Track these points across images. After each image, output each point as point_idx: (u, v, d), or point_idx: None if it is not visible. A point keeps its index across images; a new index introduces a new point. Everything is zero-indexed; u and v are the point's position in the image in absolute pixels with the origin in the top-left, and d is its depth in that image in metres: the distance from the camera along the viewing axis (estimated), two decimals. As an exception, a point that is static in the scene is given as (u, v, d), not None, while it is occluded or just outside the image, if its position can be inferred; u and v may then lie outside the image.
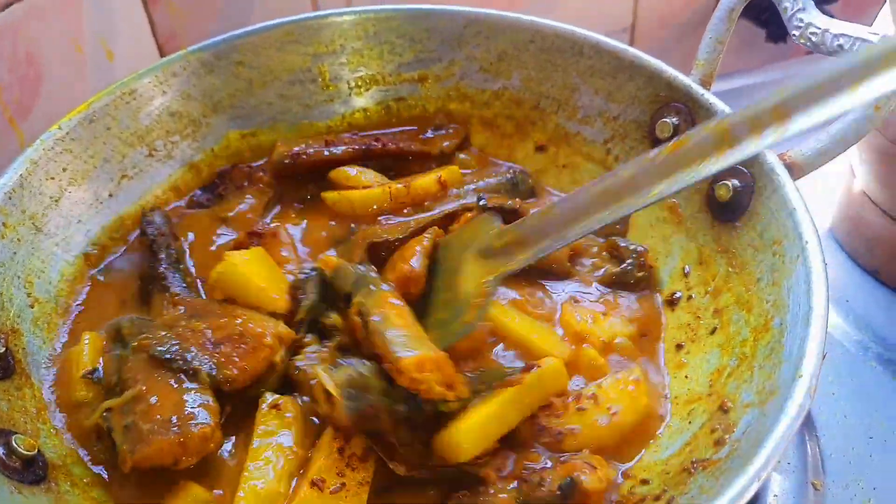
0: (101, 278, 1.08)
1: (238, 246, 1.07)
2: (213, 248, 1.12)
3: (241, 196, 1.18)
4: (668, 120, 1.12)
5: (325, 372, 0.84)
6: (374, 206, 1.14)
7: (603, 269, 1.11)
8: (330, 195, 1.16)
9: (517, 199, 1.12)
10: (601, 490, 0.83)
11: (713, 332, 1.00)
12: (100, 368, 0.95)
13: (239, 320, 0.93)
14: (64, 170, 1.07)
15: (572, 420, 0.90)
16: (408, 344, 0.85)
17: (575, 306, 1.05)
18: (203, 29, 1.46)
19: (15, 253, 0.99)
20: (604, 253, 1.13)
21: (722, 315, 1.00)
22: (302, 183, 1.20)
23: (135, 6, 1.46)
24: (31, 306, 0.99)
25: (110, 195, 1.13)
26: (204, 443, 0.84)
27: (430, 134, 1.27)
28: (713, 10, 1.11)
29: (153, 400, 0.85)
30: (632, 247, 1.11)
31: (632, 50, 1.16)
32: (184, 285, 1.03)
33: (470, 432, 0.85)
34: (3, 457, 0.81)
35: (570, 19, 1.23)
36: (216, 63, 1.21)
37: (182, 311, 0.96)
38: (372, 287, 0.93)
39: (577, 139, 1.23)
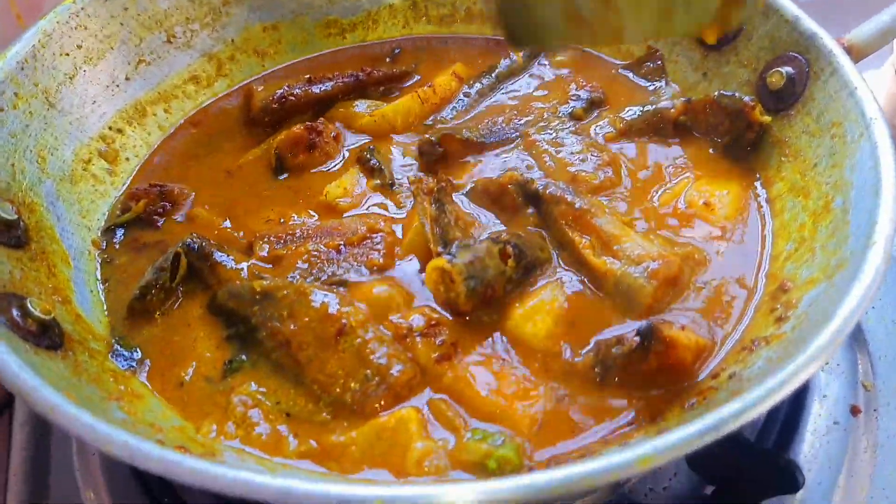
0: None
1: (290, 137, 1.03)
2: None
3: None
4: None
5: (447, 260, 0.83)
6: (410, 116, 1.10)
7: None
8: (365, 119, 1.09)
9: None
10: (687, 346, 0.78)
11: (765, 222, 0.95)
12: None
13: (343, 226, 0.94)
14: (79, 46, 1.01)
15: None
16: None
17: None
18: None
19: (27, 125, 0.94)
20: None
21: (774, 204, 0.96)
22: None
23: None
24: (44, 183, 0.93)
25: (127, 79, 1.07)
26: (412, 381, 0.80)
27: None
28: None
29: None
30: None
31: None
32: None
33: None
34: (19, 319, 0.75)
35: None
36: (238, -52, 1.15)
37: (277, 245, 0.93)
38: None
39: (616, 37, 1.17)
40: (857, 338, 1.05)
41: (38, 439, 0.99)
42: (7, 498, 0.95)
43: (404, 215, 0.97)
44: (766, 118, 0.98)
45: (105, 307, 0.89)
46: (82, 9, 1.02)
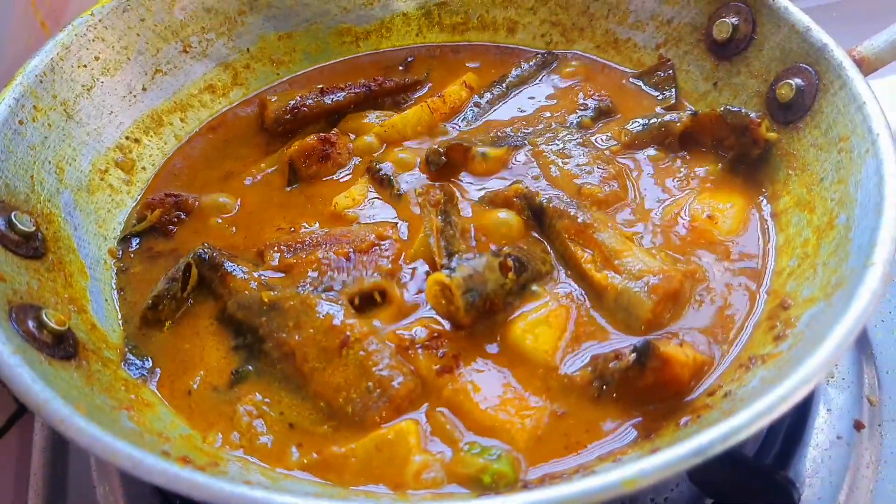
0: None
1: (303, 148, 1.05)
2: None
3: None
4: (727, 20, 1.06)
5: (445, 275, 0.83)
6: (419, 126, 1.11)
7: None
8: (375, 129, 1.10)
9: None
10: (685, 362, 0.78)
11: (770, 236, 0.95)
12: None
13: (352, 234, 0.95)
14: (96, 58, 1.04)
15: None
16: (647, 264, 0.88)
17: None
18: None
19: (46, 137, 0.97)
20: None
21: (780, 218, 0.95)
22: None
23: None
24: (62, 193, 0.96)
25: (144, 89, 1.09)
26: (412, 393, 0.81)
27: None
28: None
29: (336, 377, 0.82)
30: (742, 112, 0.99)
31: (685, -55, 1.10)
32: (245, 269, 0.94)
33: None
34: (34, 330, 0.78)
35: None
36: (253, -41, 1.17)
37: (287, 254, 0.94)
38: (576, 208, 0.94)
39: (628, 45, 1.17)
40: (864, 351, 1.04)
41: (57, 440, 1.03)
42: (28, 496, 0.99)
43: (410, 224, 0.99)
44: (772, 135, 0.97)
45: (120, 316, 0.92)
46: (100, 21, 1.05)
